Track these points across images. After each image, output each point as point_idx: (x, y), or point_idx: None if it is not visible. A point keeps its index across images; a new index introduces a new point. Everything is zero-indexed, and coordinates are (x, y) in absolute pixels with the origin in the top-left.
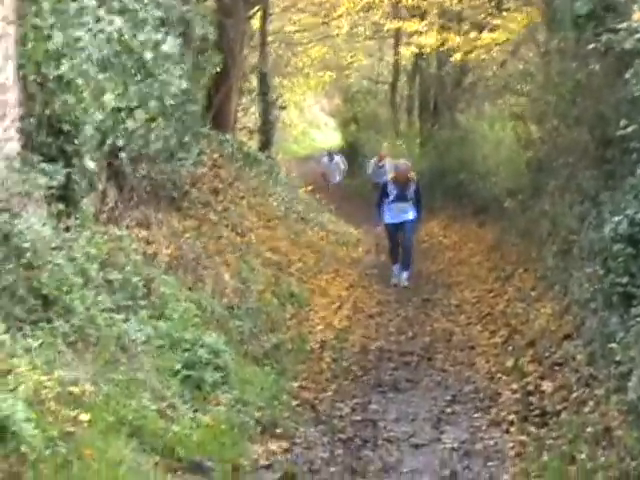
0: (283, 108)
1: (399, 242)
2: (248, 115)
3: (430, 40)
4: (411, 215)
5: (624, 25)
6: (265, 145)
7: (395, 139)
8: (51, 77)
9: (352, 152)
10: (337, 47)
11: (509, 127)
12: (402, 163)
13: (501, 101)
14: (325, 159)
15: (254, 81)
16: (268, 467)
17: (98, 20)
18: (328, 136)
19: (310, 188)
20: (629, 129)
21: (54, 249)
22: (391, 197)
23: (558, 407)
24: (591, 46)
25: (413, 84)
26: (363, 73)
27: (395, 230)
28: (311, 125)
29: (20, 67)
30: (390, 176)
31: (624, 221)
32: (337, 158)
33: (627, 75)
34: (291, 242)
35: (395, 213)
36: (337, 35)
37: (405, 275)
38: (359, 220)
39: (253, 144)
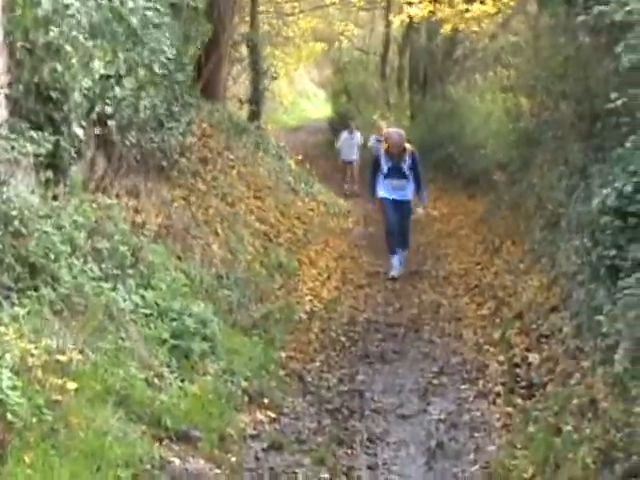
0: (274, 78)
1: (396, 224)
2: (238, 85)
3: (420, 11)
4: (409, 195)
5: None
6: (255, 115)
7: (385, 111)
8: (40, 44)
9: (342, 123)
10: (329, 17)
11: (499, 100)
12: (395, 131)
13: (492, 74)
14: (345, 134)
15: (244, 50)
16: (255, 437)
17: None
18: (318, 107)
19: (300, 158)
20: (618, 102)
21: (42, 217)
22: (384, 171)
23: (544, 379)
24: (581, 18)
25: (404, 55)
26: (354, 44)
27: (392, 207)
28: (301, 96)
29: (8, 34)
30: (383, 147)
31: (612, 194)
32: (358, 134)
33: (618, 49)
34: (280, 212)
35: (390, 191)
36: (329, 5)
37: (401, 255)
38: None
39: (243, 114)
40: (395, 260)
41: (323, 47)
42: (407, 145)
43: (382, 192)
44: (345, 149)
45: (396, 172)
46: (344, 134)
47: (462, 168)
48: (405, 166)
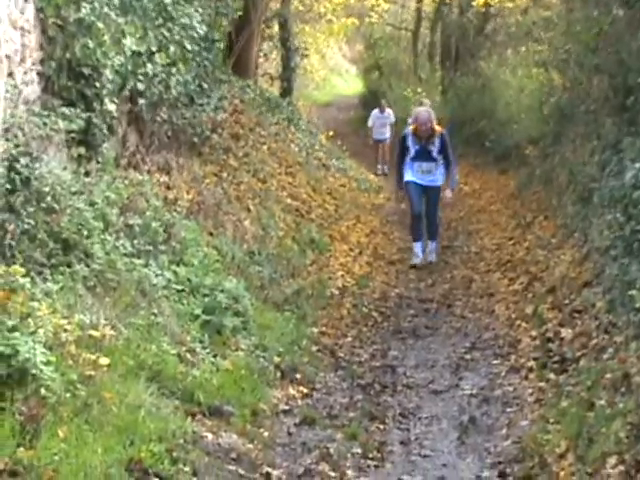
0: (305, 56)
1: (422, 209)
2: (269, 61)
3: None
4: (439, 179)
5: None
6: (286, 91)
7: (417, 86)
8: (71, 20)
9: (374, 99)
10: None
11: (531, 75)
12: (423, 110)
13: (524, 48)
14: (376, 112)
15: (276, 27)
16: (287, 412)
17: None
18: (350, 83)
19: (331, 134)
20: None
21: (74, 193)
22: (412, 153)
23: (577, 354)
24: None
25: (435, 31)
26: (386, 19)
27: (418, 192)
28: (332, 72)
29: (40, 10)
30: (410, 127)
31: None
32: (389, 111)
33: None
34: (312, 188)
35: (418, 174)
36: None
37: (432, 246)
38: None
39: (274, 90)
40: (417, 248)
41: (354, 22)
42: (437, 127)
43: (408, 175)
44: (377, 128)
45: (424, 155)
46: (375, 112)
47: (494, 143)
48: (434, 149)
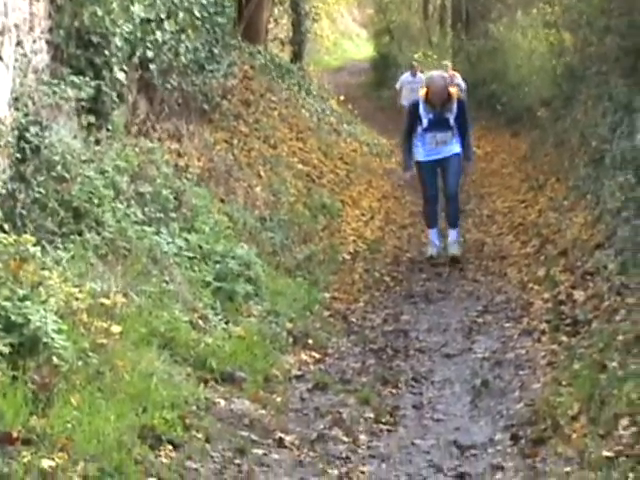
0: (315, 20)
1: (437, 190)
2: (280, 26)
3: None
4: (455, 148)
5: None
6: (297, 56)
7: (428, 50)
8: None
9: (384, 63)
10: None
11: (542, 36)
12: (438, 75)
13: (534, 10)
14: (407, 75)
15: None
16: (300, 377)
17: None
18: (360, 47)
19: (342, 99)
20: None
21: (85, 162)
22: (424, 124)
23: (589, 316)
24: None
25: None
26: None
27: (432, 172)
28: (343, 36)
29: None
30: (421, 93)
31: None
32: (421, 76)
33: None
34: (323, 153)
35: (431, 147)
36: None
37: (454, 236)
38: (392, 131)
39: (285, 55)
40: (433, 235)
41: None
42: (452, 90)
43: (419, 154)
44: (406, 93)
45: (440, 124)
46: (406, 76)
47: (505, 106)
48: (451, 116)
